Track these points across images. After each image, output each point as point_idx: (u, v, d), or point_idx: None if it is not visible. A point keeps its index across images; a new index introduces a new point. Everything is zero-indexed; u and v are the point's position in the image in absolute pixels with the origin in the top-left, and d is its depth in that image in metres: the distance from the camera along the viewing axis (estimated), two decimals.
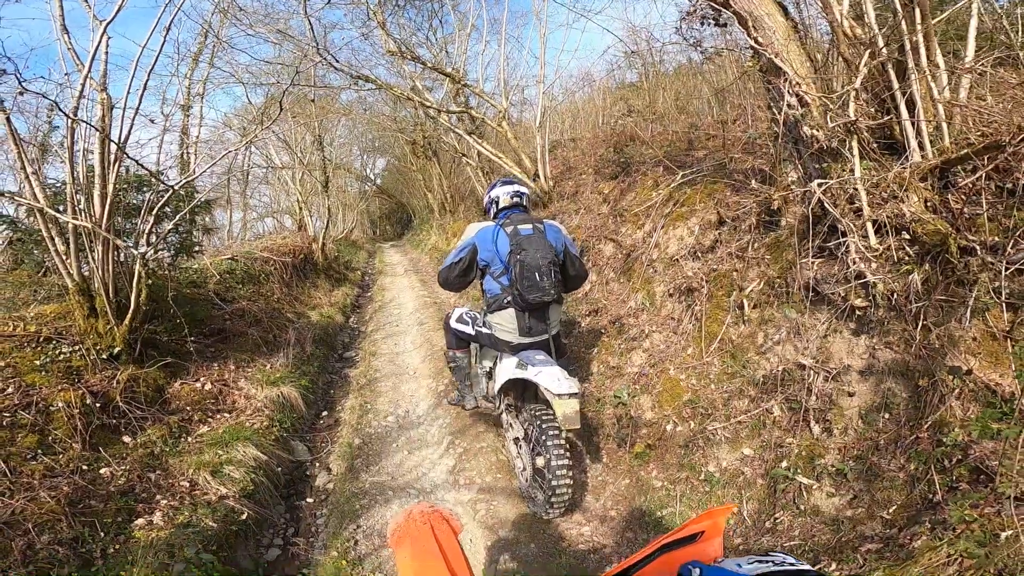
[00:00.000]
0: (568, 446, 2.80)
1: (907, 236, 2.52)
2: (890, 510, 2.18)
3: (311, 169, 11.65)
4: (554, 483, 2.71)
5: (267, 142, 11.82)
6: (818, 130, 2.89)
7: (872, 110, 2.78)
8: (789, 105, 2.95)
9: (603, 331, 4.54)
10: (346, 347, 7.06)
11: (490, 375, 3.39)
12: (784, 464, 2.65)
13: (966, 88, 2.67)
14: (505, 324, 3.02)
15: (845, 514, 2.34)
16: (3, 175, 8.61)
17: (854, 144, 2.69)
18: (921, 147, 2.59)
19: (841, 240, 2.73)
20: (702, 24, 3.56)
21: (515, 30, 14.54)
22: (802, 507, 2.49)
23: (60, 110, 3.49)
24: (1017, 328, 2.13)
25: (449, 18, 10.96)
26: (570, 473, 2.74)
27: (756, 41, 2.98)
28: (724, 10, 3.17)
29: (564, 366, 2.88)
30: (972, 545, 1.64)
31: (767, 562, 0.74)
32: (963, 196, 2.50)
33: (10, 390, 3.09)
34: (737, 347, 3.28)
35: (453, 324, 3.45)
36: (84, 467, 2.90)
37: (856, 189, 2.65)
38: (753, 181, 3.67)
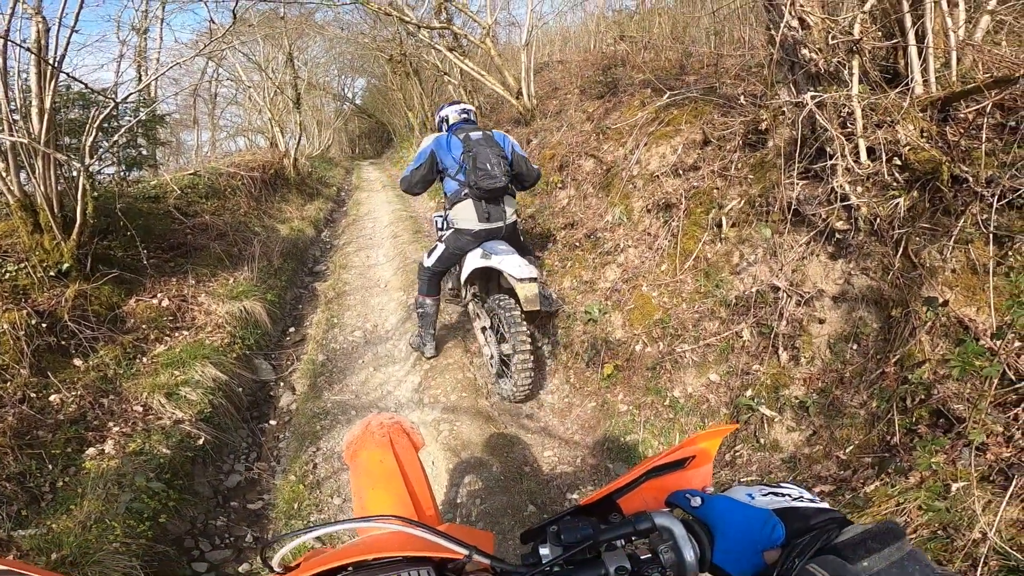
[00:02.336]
0: (530, 334, 3.09)
1: (898, 162, 2.37)
2: (847, 450, 2.16)
3: (283, 87, 10.87)
4: (518, 366, 3.04)
5: (235, 64, 10.94)
6: (817, 53, 2.67)
7: (879, 34, 2.55)
8: (789, 26, 2.70)
9: (578, 244, 4.42)
10: (317, 261, 6.89)
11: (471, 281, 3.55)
12: (749, 393, 2.63)
13: (983, 30, 2.47)
14: (465, 214, 3.27)
15: (803, 451, 2.34)
16: None
17: (855, 66, 2.50)
18: (925, 79, 2.43)
19: (829, 162, 2.57)
20: None
21: None
22: (762, 440, 2.49)
23: None
24: (1000, 263, 2.03)
25: None
26: (532, 358, 3.07)
27: None
28: None
29: (524, 255, 3.19)
30: (932, 497, 1.60)
31: (782, 495, 0.64)
32: (962, 129, 2.34)
33: None
34: (712, 265, 3.18)
35: (428, 255, 3.59)
36: (32, 394, 2.77)
37: (851, 111, 2.47)
38: (743, 99, 3.42)
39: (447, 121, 3.53)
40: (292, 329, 4.83)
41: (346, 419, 3.31)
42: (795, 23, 2.72)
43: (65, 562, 2.01)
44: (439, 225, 3.58)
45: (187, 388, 3.14)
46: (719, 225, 3.21)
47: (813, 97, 2.57)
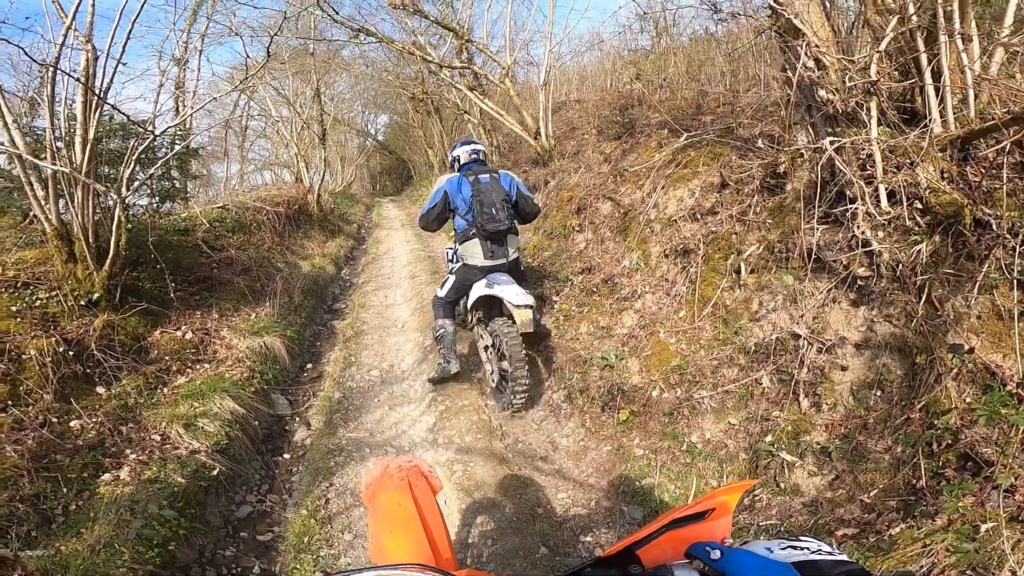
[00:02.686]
0: (526, 354, 3.41)
1: (919, 206, 2.37)
2: (871, 493, 2.10)
3: (309, 122, 11.31)
4: (515, 380, 3.34)
5: (265, 97, 11.46)
6: (834, 93, 2.72)
7: (895, 74, 2.58)
8: (806, 67, 2.77)
9: (595, 290, 4.42)
10: (336, 298, 6.97)
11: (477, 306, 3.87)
12: (769, 438, 2.56)
13: (998, 64, 2.49)
14: (473, 251, 3.64)
15: (825, 495, 2.27)
16: None
17: (872, 107, 2.53)
18: (943, 117, 2.44)
19: (849, 206, 2.58)
20: None
21: None
22: (782, 485, 2.42)
23: (28, 56, 3.36)
24: None
25: None
26: (527, 373, 3.38)
27: (776, 0, 2.74)
28: None
29: (523, 285, 3.56)
30: (960, 539, 1.55)
31: (801, 548, 0.64)
32: (983, 169, 2.34)
33: None
34: (731, 312, 3.16)
35: (442, 287, 3.99)
36: (54, 419, 2.83)
37: (870, 153, 2.48)
38: (760, 142, 3.46)
39: (459, 161, 3.82)
40: (310, 365, 4.87)
41: (360, 456, 3.30)
42: (811, 63, 2.77)
43: None
44: (449, 257, 3.99)
45: (205, 420, 3.17)
46: (738, 271, 3.21)
47: (832, 142, 2.60)
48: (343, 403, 4.01)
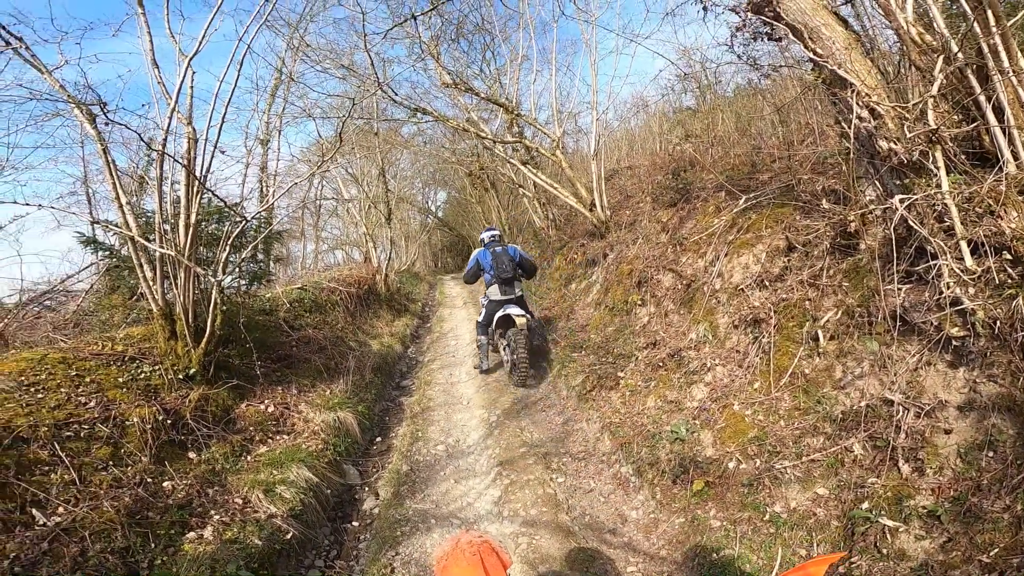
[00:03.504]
0: (525, 348, 5.44)
1: (1008, 256, 2.23)
2: (991, 553, 1.86)
3: (376, 201, 12.14)
4: (517, 363, 5.46)
5: (336, 176, 12.46)
6: (895, 143, 2.66)
7: (956, 118, 2.53)
8: (860, 117, 2.73)
9: (661, 364, 4.32)
10: (403, 375, 7.15)
11: (483, 323, 6.16)
12: (865, 505, 2.34)
13: None
14: (493, 291, 5.90)
15: (936, 558, 2.04)
16: (107, 206, 9.61)
17: (938, 155, 2.45)
18: (1016, 156, 2.32)
19: (931, 263, 2.46)
20: (755, 40, 3.44)
21: (565, 59, 14.67)
22: (884, 551, 2.18)
23: (143, 140, 3.84)
24: None
25: (501, 49, 11.24)
26: (526, 358, 5.45)
27: (815, 53, 2.82)
28: (776, 23, 3.03)
29: (523, 309, 5.76)
30: None
31: None
32: None
33: (92, 404, 3.32)
34: (811, 381, 3.00)
35: (484, 315, 6.10)
36: (149, 479, 3.03)
37: (945, 205, 2.39)
38: (825, 202, 3.41)
39: (483, 241, 6.17)
40: (379, 439, 4.96)
41: (426, 528, 3.26)
42: (865, 113, 2.68)
43: None
44: (482, 300, 6.18)
45: (283, 486, 3.28)
46: (815, 339, 3.07)
47: (902, 200, 2.53)
48: (410, 475, 4.02)
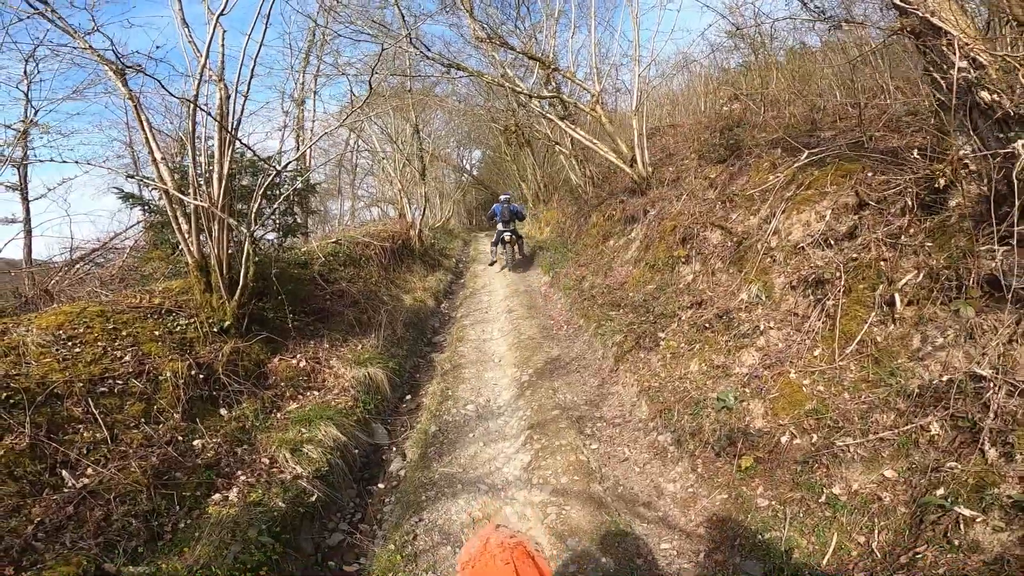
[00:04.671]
0: (510, 248, 10.23)
1: None
2: None
3: (410, 158, 12.00)
4: (505, 251, 10.26)
5: (371, 135, 12.34)
6: (999, 94, 2.28)
7: None
8: (959, 68, 2.36)
9: (707, 326, 4.04)
10: (435, 332, 7.10)
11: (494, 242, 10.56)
12: (940, 491, 2.09)
13: None
14: (499, 227, 10.04)
15: (1013, 552, 1.80)
16: (147, 166, 9.84)
17: None
18: None
19: None
20: None
21: (605, 14, 13.79)
22: (956, 542, 1.95)
23: (165, 89, 3.79)
24: None
25: (536, 5, 10.75)
26: (507, 250, 10.21)
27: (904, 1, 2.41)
28: None
29: (513, 234, 10.18)
30: None
31: None
32: None
33: (127, 358, 3.33)
34: (883, 351, 2.69)
35: (494, 238, 10.52)
36: (179, 437, 3.04)
37: None
38: (915, 154, 2.99)
39: (500, 199, 9.98)
40: (408, 397, 4.93)
41: (451, 492, 3.19)
42: (964, 64, 2.39)
43: None
44: (496, 232, 10.36)
45: (310, 446, 3.25)
46: (891, 303, 2.73)
47: (1007, 155, 2.15)
48: (438, 436, 3.96)
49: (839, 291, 3.03)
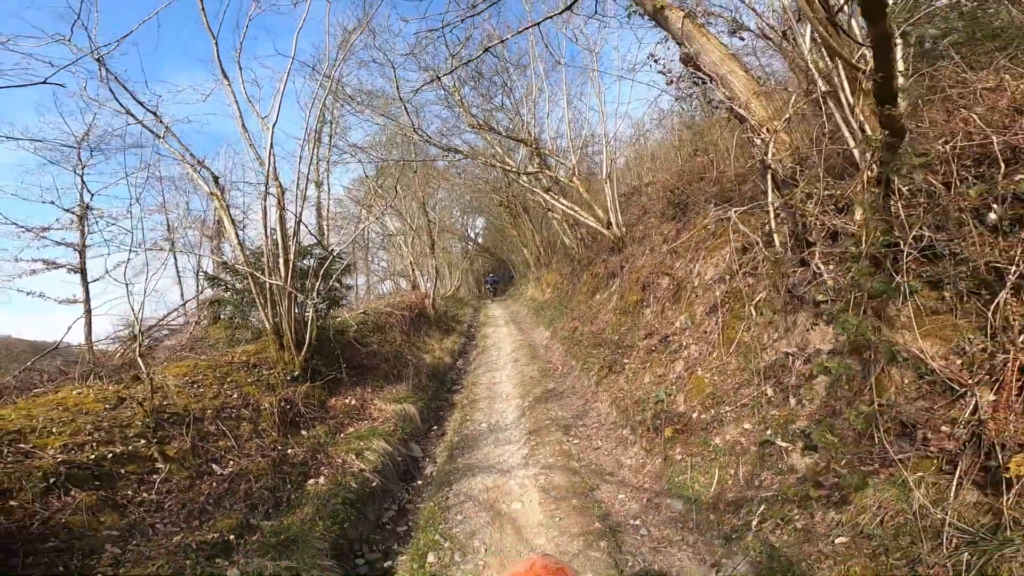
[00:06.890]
0: (492, 292, 25.26)
1: (851, 240, 3.23)
2: (841, 463, 2.82)
3: (419, 233, 13.59)
4: (490, 293, 25.36)
5: (382, 213, 14.05)
6: (778, 163, 3.74)
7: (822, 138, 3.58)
8: (757, 145, 3.83)
9: (654, 349, 5.36)
10: (453, 382, 8.43)
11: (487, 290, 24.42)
12: (768, 432, 3.34)
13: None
14: (488, 291, 25.71)
15: (813, 470, 2.99)
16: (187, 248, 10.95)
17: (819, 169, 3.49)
18: (869, 168, 3.30)
19: (809, 249, 3.49)
20: (695, 84, 4.59)
21: (577, 88, 15.80)
22: (781, 467, 3.16)
23: (250, 191, 5.35)
24: (943, 303, 2.74)
25: (517, 83, 12.17)
26: (491, 293, 25.48)
27: (725, 96, 3.95)
28: (698, 72, 4.21)
29: (495, 289, 25.76)
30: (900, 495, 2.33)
31: None
32: (903, 202, 3.16)
33: (235, 395, 4.73)
34: (747, 347, 4.01)
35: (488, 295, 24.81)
36: (279, 446, 4.37)
37: (803, 207, 3.43)
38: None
39: (489, 277, 26.84)
40: (435, 427, 6.22)
41: (471, 474, 4.45)
42: (758, 141, 3.82)
43: (287, 541, 3.31)
44: (488, 289, 26.15)
45: (368, 452, 4.55)
46: (751, 316, 4.09)
47: (777, 205, 3.58)
48: (460, 444, 5.23)
49: (726, 311, 4.39)
